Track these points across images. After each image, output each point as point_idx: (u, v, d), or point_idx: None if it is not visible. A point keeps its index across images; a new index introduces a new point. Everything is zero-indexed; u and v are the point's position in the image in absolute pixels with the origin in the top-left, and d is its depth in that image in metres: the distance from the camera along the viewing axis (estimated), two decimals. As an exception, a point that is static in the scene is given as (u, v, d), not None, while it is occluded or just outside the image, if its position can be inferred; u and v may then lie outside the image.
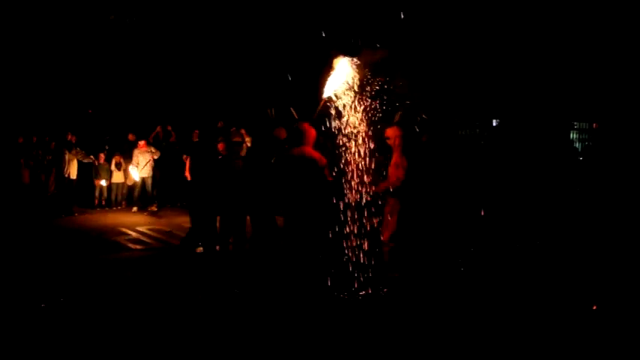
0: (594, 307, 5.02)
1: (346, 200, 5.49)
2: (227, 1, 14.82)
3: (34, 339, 4.34)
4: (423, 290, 5.49)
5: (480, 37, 13.10)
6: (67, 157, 10.84)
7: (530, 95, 13.34)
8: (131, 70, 15.96)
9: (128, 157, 11.34)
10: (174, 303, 5.26)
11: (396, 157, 5.86)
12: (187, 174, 7.69)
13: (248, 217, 6.79)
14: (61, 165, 10.69)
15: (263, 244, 6.38)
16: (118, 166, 11.51)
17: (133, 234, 8.81)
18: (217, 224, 7.01)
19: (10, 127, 11.67)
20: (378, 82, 5.34)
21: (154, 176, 11.27)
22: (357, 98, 5.28)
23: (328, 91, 5.25)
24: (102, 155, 11.52)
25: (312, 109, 5.44)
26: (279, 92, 11.18)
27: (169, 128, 12.05)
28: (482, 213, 6.98)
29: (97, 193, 11.59)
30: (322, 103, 5.32)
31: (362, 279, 5.42)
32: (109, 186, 11.63)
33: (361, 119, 5.34)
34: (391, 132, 5.89)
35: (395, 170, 5.85)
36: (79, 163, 11.15)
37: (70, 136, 11.25)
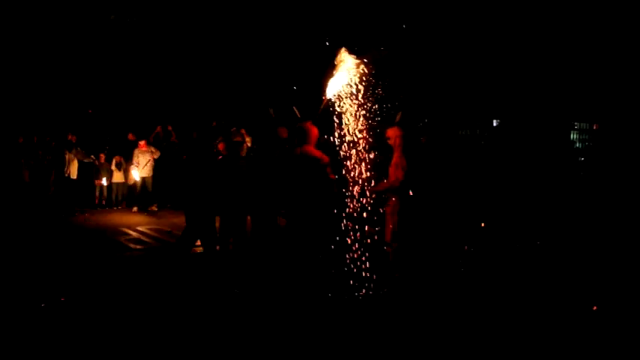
0: (594, 308, 5.02)
1: (347, 200, 5.49)
2: (227, 1, 14.83)
3: (35, 339, 4.34)
4: (424, 290, 5.50)
5: (481, 37, 13.10)
6: (67, 157, 10.85)
7: (530, 96, 13.34)
8: (131, 71, 15.97)
9: (128, 157, 11.35)
10: (174, 303, 5.26)
11: (396, 158, 5.88)
12: None
13: (249, 218, 6.80)
14: (62, 165, 10.70)
15: (263, 245, 6.37)
16: (119, 166, 11.51)
17: (134, 234, 8.81)
18: (217, 224, 7.01)
19: (11, 127, 11.68)
20: (379, 81, 5.34)
21: (154, 176, 11.28)
22: (359, 97, 5.28)
23: (331, 89, 5.25)
24: (102, 155, 11.53)
25: (315, 107, 5.44)
26: (280, 91, 11.17)
27: (170, 128, 12.05)
28: (482, 214, 6.99)
29: (97, 193, 11.60)
30: (325, 101, 5.31)
31: (363, 279, 5.41)
32: (110, 186, 11.64)
33: (363, 119, 5.33)
34: (391, 132, 5.90)
35: (395, 170, 5.86)
36: (80, 163, 11.16)
37: (70, 136, 11.26)
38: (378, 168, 5.75)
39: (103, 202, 11.63)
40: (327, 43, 5.60)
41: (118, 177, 11.57)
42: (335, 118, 5.43)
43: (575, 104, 13.50)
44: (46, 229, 9.16)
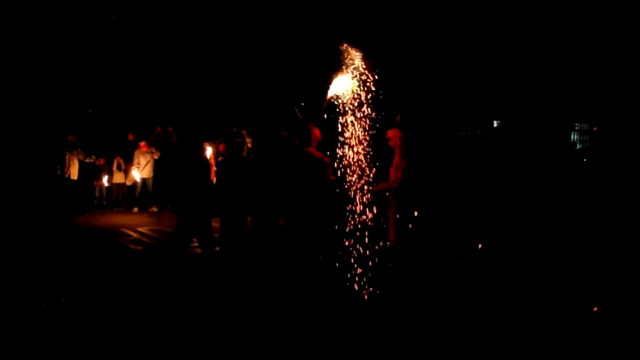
0: (595, 309, 5.02)
1: (348, 200, 5.49)
2: (228, 1, 14.83)
3: (35, 338, 4.34)
4: (424, 290, 5.49)
5: (481, 38, 13.11)
6: (67, 157, 10.85)
7: (530, 96, 13.34)
8: (131, 71, 15.98)
9: (129, 158, 11.35)
10: (174, 304, 5.26)
11: (396, 159, 5.89)
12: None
13: (249, 218, 6.79)
14: (62, 166, 10.70)
15: (264, 245, 6.37)
16: (119, 167, 11.52)
17: (134, 235, 8.82)
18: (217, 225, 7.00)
19: (12, 128, 11.68)
20: (380, 81, 5.35)
21: (154, 177, 11.29)
22: (361, 97, 5.28)
23: (334, 88, 5.25)
24: (102, 160, 11.53)
25: (317, 108, 5.44)
26: (281, 92, 11.18)
27: (170, 129, 12.05)
28: (482, 214, 6.99)
29: (97, 194, 11.60)
30: (327, 100, 5.31)
31: (363, 279, 5.41)
32: (110, 187, 11.64)
33: (363, 120, 5.34)
34: (392, 133, 5.92)
35: (395, 171, 5.87)
36: (80, 163, 11.16)
37: (70, 137, 11.26)
38: (379, 169, 5.76)
39: (104, 203, 11.64)
40: (328, 44, 5.60)
41: (118, 178, 11.58)
42: (336, 119, 5.43)
43: (575, 105, 13.50)
44: (46, 229, 9.17)
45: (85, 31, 15.34)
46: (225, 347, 4.28)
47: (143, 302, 5.32)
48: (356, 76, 5.23)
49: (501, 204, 8.21)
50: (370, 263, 5.39)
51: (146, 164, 11.04)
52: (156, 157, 11.14)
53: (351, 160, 5.39)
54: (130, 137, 11.84)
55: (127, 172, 11.45)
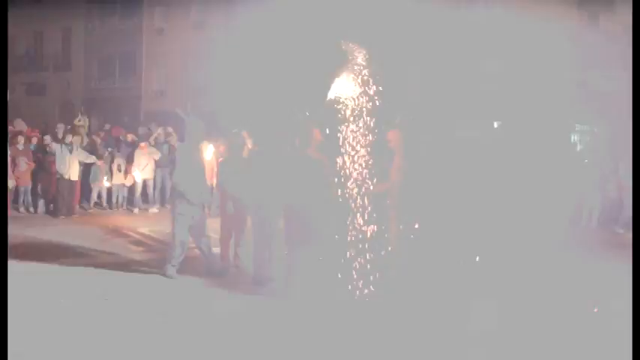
0: (595, 310, 5.03)
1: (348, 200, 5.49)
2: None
3: (35, 338, 4.35)
4: (425, 290, 5.49)
5: (481, 38, 13.12)
6: (67, 158, 10.83)
7: (531, 97, 13.35)
8: (132, 71, 15.99)
9: (128, 158, 11.34)
10: (174, 304, 5.27)
11: (397, 160, 5.89)
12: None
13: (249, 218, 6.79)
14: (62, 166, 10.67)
15: (264, 246, 6.36)
16: (119, 168, 11.50)
17: (135, 236, 8.82)
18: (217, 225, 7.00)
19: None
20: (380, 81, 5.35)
21: (154, 178, 11.29)
22: (362, 98, 5.29)
23: (335, 88, 5.26)
24: (101, 161, 11.50)
25: (317, 108, 5.45)
26: (282, 93, 11.18)
27: (170, 129, 12.04)
28: (482, 214, 6.98)
29: (97, 195, 11.58)
30: (327, 100, 5.31)
31: (363, 279, 5.41)
32: (110, 187, 11.62)
33: (364, 121, 5.34)
34: (392, 135, 5.92)
35: (395, 172, 5.88)
36: (80, 164, 11.13)
37: (70, 138, 11.22)
38: (379, 170, 5.76)
39: (104, 204, 11.62)
40: (328, 44, 5.61)
41: (118, 178, 11.56)
42: (335, 119, 5.43)
43: (576, 106, 13.51)
44: (46, 230, 9.15)
45: (87, 31, 15.35)
46: (225, 347, 4.29)
47: (144, 302, 5.33)
48: (357, 76, 5.24)
49: (501, 203, 8.20)
50: (369, 267, 5.40)
51: (146, 165, 11.05)
52: (156, 158, 11.13)
53: (351, 161, 5.39)
54: (130, 138, 11.84)
55: (127, 172, 11.43)
